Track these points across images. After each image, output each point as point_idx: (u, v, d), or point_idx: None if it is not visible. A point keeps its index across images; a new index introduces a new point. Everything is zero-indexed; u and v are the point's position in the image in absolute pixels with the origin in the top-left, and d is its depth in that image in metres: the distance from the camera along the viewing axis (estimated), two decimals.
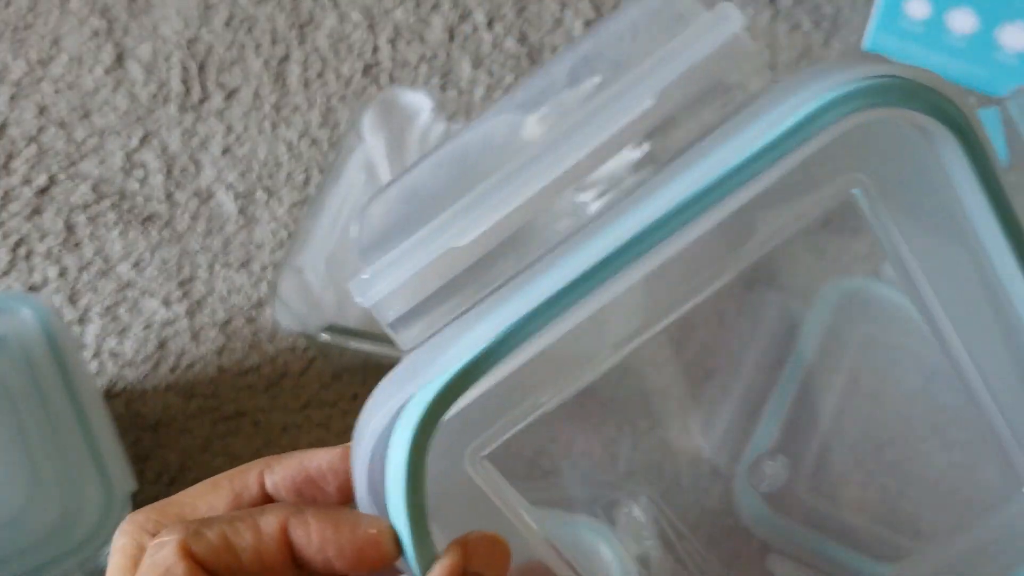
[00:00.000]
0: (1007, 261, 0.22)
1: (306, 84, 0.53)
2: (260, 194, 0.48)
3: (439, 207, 0.22)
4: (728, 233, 0.22)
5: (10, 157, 0.49)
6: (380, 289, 0.22)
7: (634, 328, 0.23)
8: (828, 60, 0.49)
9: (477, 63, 0.55)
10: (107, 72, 0.53)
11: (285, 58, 0.54)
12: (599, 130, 0.21)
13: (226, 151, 0.50)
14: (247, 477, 0.23)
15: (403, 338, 0.22)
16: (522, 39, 0.56)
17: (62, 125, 0.51)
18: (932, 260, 0.23)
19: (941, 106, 0.21)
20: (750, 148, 0.21)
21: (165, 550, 0.20)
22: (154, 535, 0.21)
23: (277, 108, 0.52)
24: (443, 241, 0.21)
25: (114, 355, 0.43)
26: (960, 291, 0.23)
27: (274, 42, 0.55)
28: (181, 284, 0.45)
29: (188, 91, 0.52)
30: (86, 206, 0.47)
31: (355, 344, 0.40)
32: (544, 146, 0.21)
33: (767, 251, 0.23)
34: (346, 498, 0.23)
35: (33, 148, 0.50)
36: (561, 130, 0.21)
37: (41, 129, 0.50)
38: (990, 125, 0.22)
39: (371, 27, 0.57)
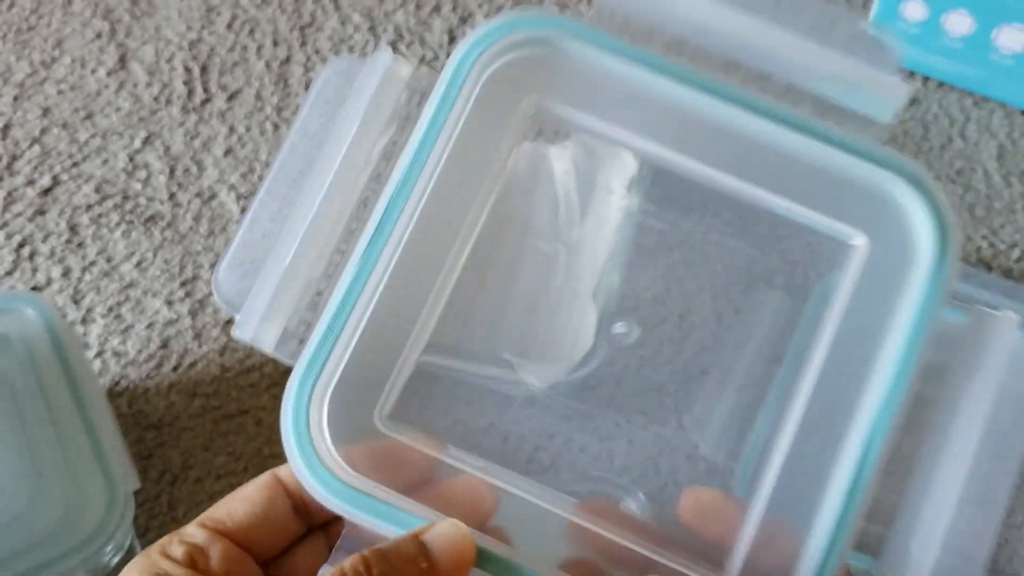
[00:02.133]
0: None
1: (308, 86, 0.53)
2: None
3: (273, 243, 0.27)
4: None
5: (14, 158, 0.49)
6: (251, 327, 0.26)
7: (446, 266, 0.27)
8: None
9: None
10: (110, 73, 0.54)
11: (287, 60, 0.55)
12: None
13: (228, 152, 0.50)
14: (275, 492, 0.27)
15: (286, 356, 0.27)
16: None
17: (65, 126, 0.51)
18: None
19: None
20: None
21: None
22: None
23: (279, 109, 0.52)
24: (287, 271, 0.27)
25: (117, 354, 0.44)
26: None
27: (276, 44, 0.56)
28: (184, 284, 0.45)
29: (190, 92, 0.53)
30: (89, 207, 0.48)
31: None
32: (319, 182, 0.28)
33: None
34: None
35: (36, 149, 0.50)
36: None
37: (44, 130, 0.51)
38: None
39: (372, 29, 0.57)
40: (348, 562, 0.23)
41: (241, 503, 0.27)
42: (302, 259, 0.27)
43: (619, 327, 0.32)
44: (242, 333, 0.27)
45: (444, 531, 0.24)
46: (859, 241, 0.27)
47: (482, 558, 0.24)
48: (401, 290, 0.26)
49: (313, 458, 0.25)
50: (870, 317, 0.27)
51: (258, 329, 0.26)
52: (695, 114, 0.27)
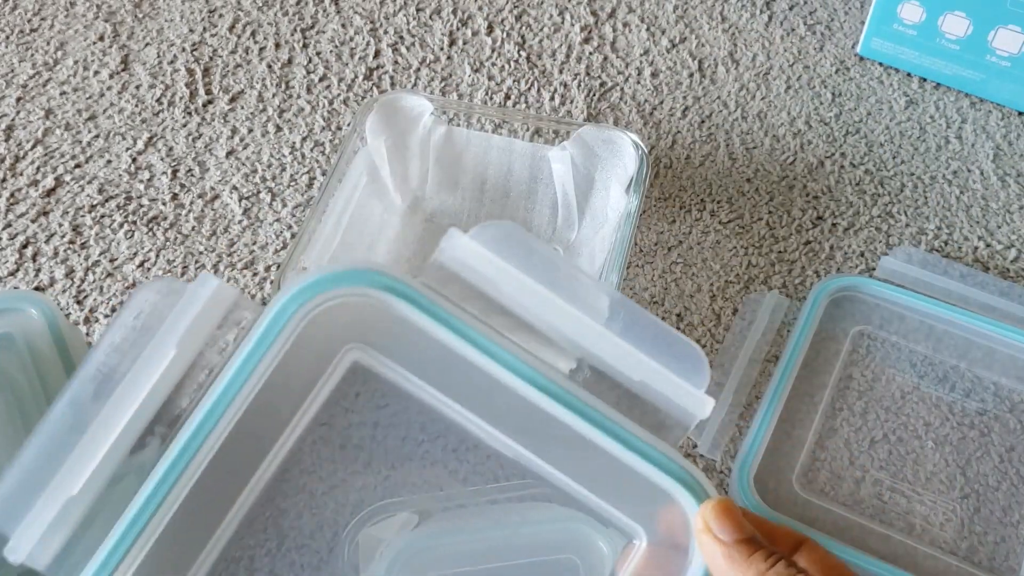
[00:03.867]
0: None
1: (309, 88, 0.54)
2: (264, 196, 0.48)
3: (48, 470, 0.27)
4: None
5: (17, 159, 0.50)
6: (25, 549, 0.26)
7: None
8: None
9: (477, 67, 0.55)
10: (112, 75, 0.54)
11: (289, 62, 0.55)
12: (143, 385, 0.27)
13: (230, 153, 0.50)
14: None
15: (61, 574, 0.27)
16: (521, 44, 0.57)
17: (68, 127, 0.51)
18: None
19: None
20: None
21: None
22: None
23: (281, 111, 0.52)
24: (59, 495, 0.26)
25: None
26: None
27: (278, 46, 0.56)
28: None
29: (193, 94, 0.53)
30: (92, 207, 0.48)
31: None
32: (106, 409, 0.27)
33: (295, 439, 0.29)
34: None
35: (39, 150, 0.50)
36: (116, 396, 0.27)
37: (47, 131, 0.51)
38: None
39: (373, 32, 0.57)
40: None
41: None
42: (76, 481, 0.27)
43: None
44: (13, 556, 0.26)
45: None
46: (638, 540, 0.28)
47: None
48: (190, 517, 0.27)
49: None
50: None
51: (32, 553, 0.26)
52: (502, 387, 0.28)
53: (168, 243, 0.47)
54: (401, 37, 0.57)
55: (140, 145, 0.51)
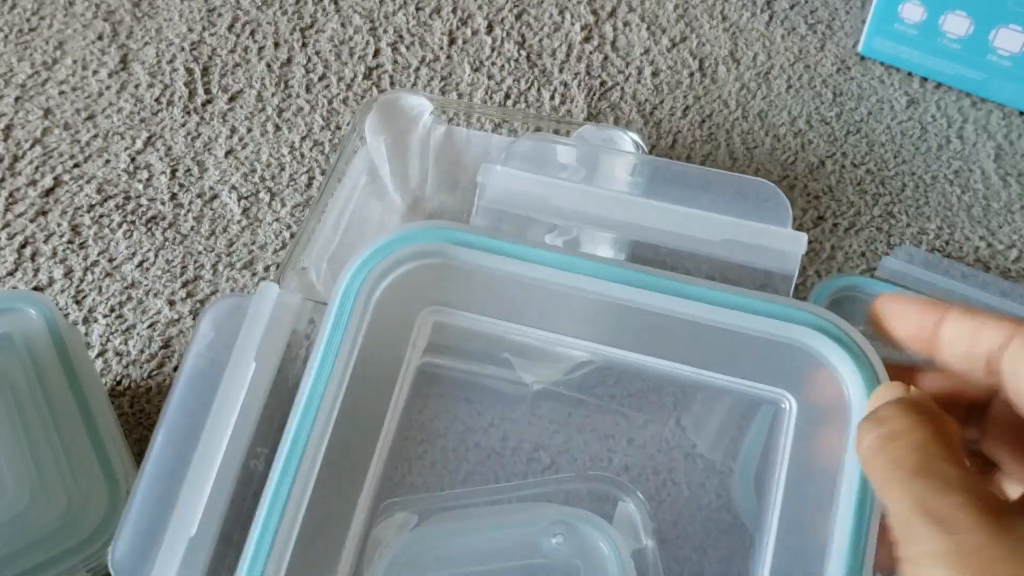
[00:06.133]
0: None
1: (308, 87, 0.54)
2: (263, 195, 0.48)
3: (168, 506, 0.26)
4: None
5: (15, 159, 0.50)
6: None
7: None
8: None
9: (477, 66, 0.55)
10: (111, 75, 0.54)
11: (288, 61, 0.55)
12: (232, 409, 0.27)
13: (229, 153, 0.50)
14: None
15: None
16: (521, 43, 0.57)
17: (67, 127, 0.51)
18: None
19: None
20: None
21: None
22: None
23: (280, 111, 0.52)
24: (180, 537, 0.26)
25: (119, 354, 0.44)
26: None
27: (277, 45, 0.56)
28: (185, 284, 0.45)
29: (192, 94, 0.53)
30: (91, 207, 0.48)
31: None
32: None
33: None
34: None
35: (38, 150, 0.50)
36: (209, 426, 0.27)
37: (46, 131, 0.51)
38: None
39: (373, 31, 0.57)
40: None
41: None
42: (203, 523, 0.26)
43: None
44: None
45: None
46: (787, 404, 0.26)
47: None
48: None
49: None
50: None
51: None
52: (598, 298, 0.26)
53: (167, 243, 0.47)
54: (401, 36, 0.57)
55: (139, 145, 0.50)
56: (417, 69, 0.55)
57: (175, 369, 0.44)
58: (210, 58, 0.55)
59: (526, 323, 0.26)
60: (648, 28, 0.58)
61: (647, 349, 0.26)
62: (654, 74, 0.55)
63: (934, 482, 0.20)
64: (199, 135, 0.51)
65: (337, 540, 0.26)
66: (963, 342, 0.23)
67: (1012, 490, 0.24)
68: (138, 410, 0.42)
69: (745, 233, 0.25)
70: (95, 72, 0.54)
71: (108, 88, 0.53)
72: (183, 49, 0.55)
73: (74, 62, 0.54)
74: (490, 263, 0.26)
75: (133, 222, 0.47)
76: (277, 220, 0.47)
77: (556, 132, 0.50)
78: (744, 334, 0.25)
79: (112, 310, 0.44)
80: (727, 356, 0.25)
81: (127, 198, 0.48)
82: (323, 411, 0.26)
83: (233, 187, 0.49)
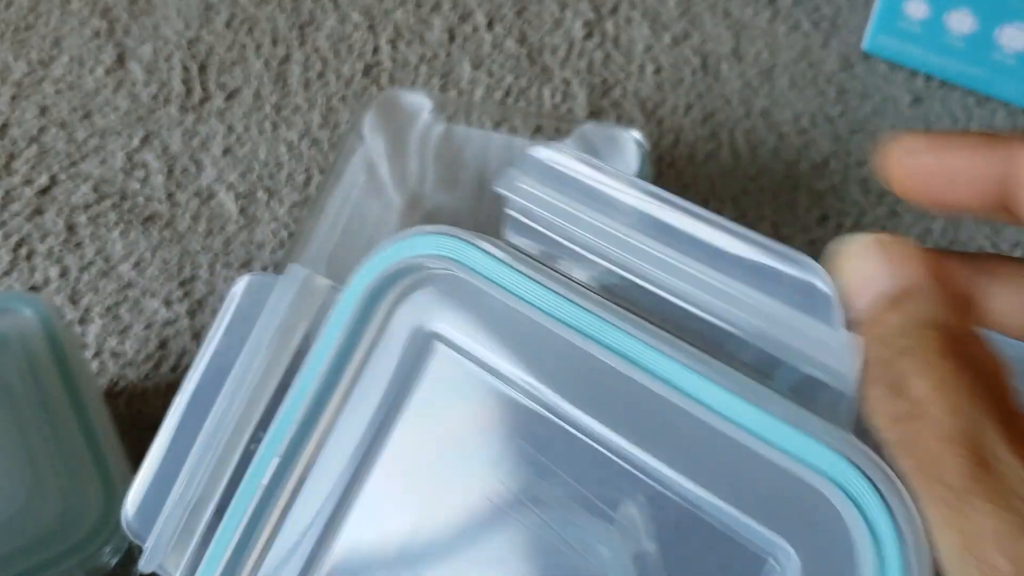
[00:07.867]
0: None
1: (307, 85, 0.53)
2: (261, 194, 0.48)
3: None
4: None
5: (11, 157, 0.49)
6: (157, 558, 0.26)
7: None
8: None
9: (477, 64, 0.55)
10: (108, 72, 0.53)
11: (286, 59, 0.55)
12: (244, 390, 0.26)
13: (227, 151, 0.50)
14: None
15: None
16: (522, 40, 0.56)
17: (63, 125, 0.51)
18: None
19: None
20: None
21: None
22: None
23: (278, 108, 0.52)
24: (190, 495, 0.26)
25: (115, 355, 0.43)
26: None
27: (275, 43, 0.56)
28: (182, 284, 0.45)
29: (189, 91, 0.53)
30: (87, 206, 0.47)
31: None
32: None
33: None
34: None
35: (34, 148, 0.50)
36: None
37: (42, 129, 0.51)
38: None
39: (371, 28, 0.57)
40: None
41: None
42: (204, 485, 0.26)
43: None
44: (146, 566, 0.26)
45: None
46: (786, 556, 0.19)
47: None
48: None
49: None
50: None
51: (165, 560, 0.26)
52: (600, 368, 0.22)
53: (164, 242, 0.46)
54: (400, 33, 0.57)
55: (136, 143, 0.50)
56: (416, 67, 0.55)
57: (172, 370, 0.43)
58: (207, 55, 0.54)
59: (534, 376, 0.23)
60: (650, 25, 0.57)
61: (641, 442, 0.22)
62: (656, 71, 0.55)
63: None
64: (196, 133, 0.50)
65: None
66: None
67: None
68: (134, 411, 0.42)
69: (782, 328, 0.19)
70: (92, 70, 0.54)
71: (105, 86, 0.53)
72: (180, 46, 0.55)
73: (70, 59, 0.54)
74: (509, 300, 0.23)
75: (130, 221, 0.47)
76: (275, 219, 0.47)
77: (557, 130, 0.50)
78: (754, 451, 0.19)
79: (108, 310, 0.44)
80: (734, 479, 0.20)
81: (123, 197, 0.48)
82: (306, 417, 0.25)
83: (230, 186, 0.48)
